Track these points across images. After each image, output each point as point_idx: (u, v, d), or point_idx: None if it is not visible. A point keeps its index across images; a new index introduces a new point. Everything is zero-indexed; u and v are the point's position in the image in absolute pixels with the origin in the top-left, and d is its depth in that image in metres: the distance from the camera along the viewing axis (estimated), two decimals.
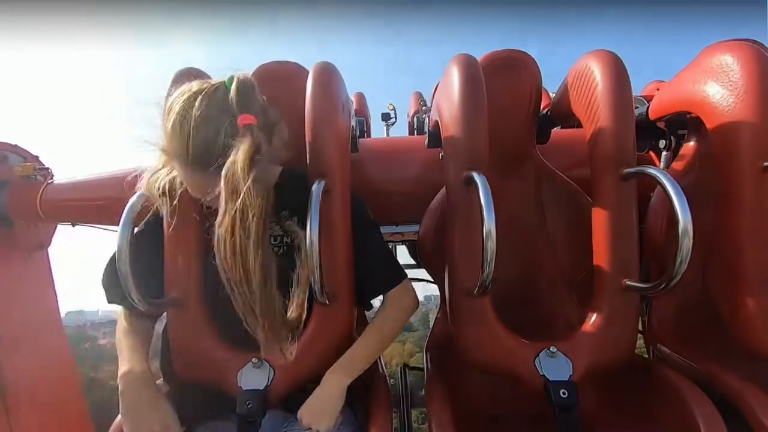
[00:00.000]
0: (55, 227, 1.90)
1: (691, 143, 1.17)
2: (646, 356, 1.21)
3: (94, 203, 1.63)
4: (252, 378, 0.91)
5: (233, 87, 0.85)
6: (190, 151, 0.82)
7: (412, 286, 1.05)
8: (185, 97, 0.84)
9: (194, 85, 0.86)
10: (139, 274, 0.88)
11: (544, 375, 0.90)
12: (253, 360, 0.92)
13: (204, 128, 0.82)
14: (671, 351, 1.11)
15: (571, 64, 1.12)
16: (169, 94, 0.95)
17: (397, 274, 1.04)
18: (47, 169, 1.81)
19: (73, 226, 1.80)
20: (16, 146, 1.81)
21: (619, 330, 0.95)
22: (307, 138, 0.96)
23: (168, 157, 0.88)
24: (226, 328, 0.97)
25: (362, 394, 1.00)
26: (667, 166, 1.24)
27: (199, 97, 0.83)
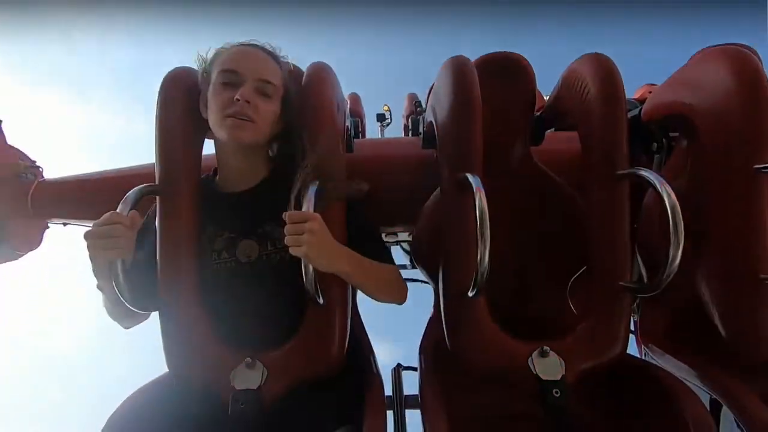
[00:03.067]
0: (45, 228, 1.88)
1: (683, 146, 1.18)
2: (638, 356, 1.22)
3: (88, 200, 1.62)
4: (245, 378, 0.90)
5: None
6: None
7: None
8: None
9: None
10: (135, 270, 0.88)
11: (536, 374, 0.91)
12: (246, 360, 0.91)
13: None
14: (663, 351, 1.12)
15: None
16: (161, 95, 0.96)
17: (390, 260, 1.06)
18: (38, 167, 1.79)
19: (65, 225, 1.78)
20: (11, 146, 1.79)
21: (611, 330, 0.95)
22: (303, 138, 0.96)
23: None
24: (221, 326, 0.97)
25: (356, 394, 1.00)
26: (660, 168, 1.26)
27: None
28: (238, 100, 0.90)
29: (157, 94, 0.99)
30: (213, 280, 0.98)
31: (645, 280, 1.14)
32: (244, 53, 0.97)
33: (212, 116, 0.95)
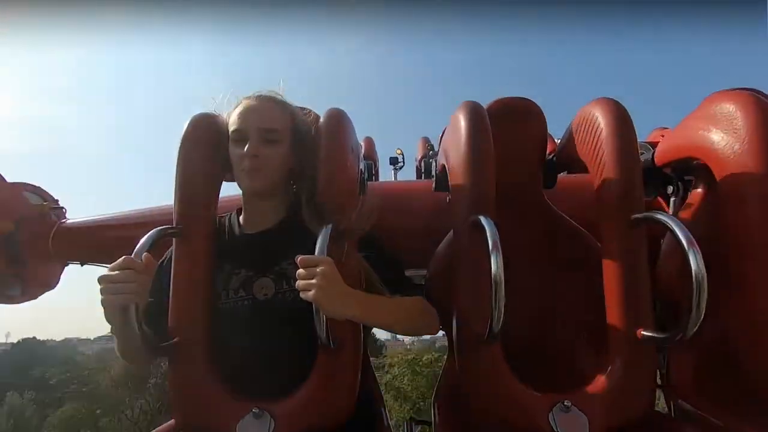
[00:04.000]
0: (63, 269, 1.90)
1: (699, 189, 1.17)
2: (666, 412, 1.14)
3: (108, 243, 1.65)
4: (252, 429, 0.88)
5: None
6: None
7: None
8: None
9: None
10: (148, 312, 0.89)
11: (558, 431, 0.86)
12: (253, 410, 0.88)
13: None
14: (692, 407, 1.05)
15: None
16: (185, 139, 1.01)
17: (412, 291, 1.04)
18: (62, 208, 1.85)
19: (82, 265, 1.81)
20: (36, 187, 1.85)
21: (636, 383, 0.90)
22: (318, 181, 0.98)
23: None
24: (233, 364, 0.97)
25: None
26: (676, 211, 1.23)
27: None
28: (245, 155, 0.98)
29: (180, 139, 1.03)
30: (229, 316, 1.00)
31: (665, 325, 1.09)
32: (247, 110, 1.02)
33: (234, 174, 1.03)
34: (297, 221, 1.00)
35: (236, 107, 1.04)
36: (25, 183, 1.83)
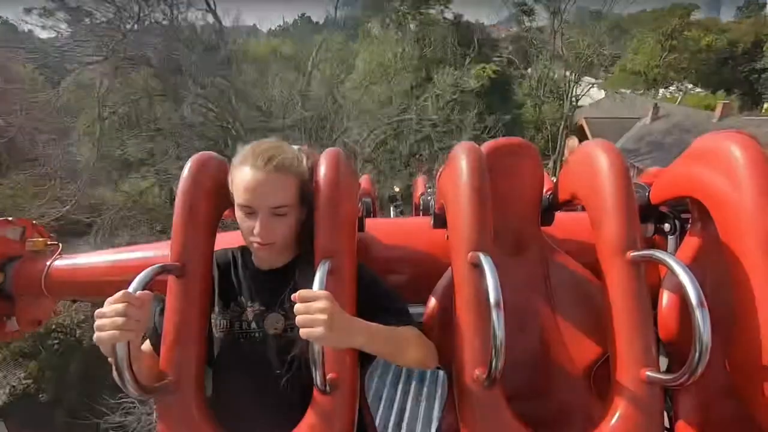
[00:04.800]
0: (54, 305, 1.87)
1: (697, 227, 1.18)
2: None
3: (101, 283, 1.63)
4: None
5: None
6: None
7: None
8: None
9: None
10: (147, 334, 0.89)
11: None
12: None
13: None
14: None
15: None
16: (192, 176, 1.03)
17: (410, 322, 1.04)
18: (57, 244, 1.83)
19: (74, 302, 1.78)
20: (34, 224, 1.85)
21: (643, 426, 0.87)
22: (316, 219, 0.99)
23: None
24: (233, 396, 0.99)
25: None
26: (675, 249, 1.24)
27: None
28: (255, 233, 0.98)
29: (181, 178, 1.04)
30: (240, 349, 1.02)
31: (671, 366, 1.07)
32: (254, 186, 0.97)
33: (242, 233, 1.02)
34: (307, 259, 1.02)
35: (244, 170, 0.99)
36: (23, 219, 1.82)
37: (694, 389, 1.04)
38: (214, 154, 1.10)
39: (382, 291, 1.09)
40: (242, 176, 0.99)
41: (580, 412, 1.09)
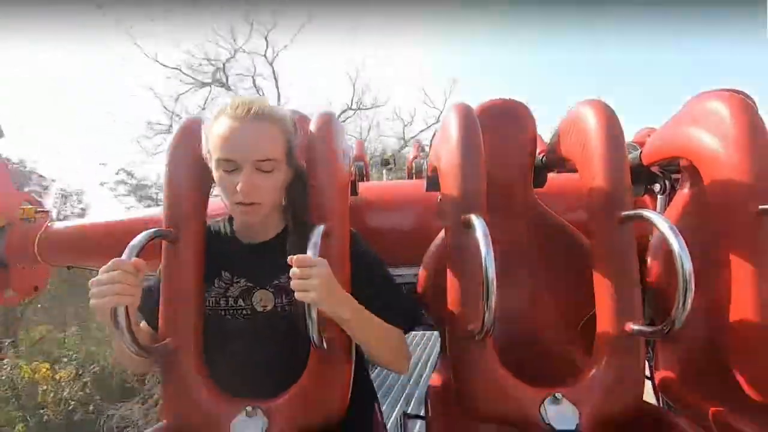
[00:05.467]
0: (49, 273, 1.88)
1: (686, 188, 1.20)
2: (656, 403, 1.17)
3: (94, 247, 1.63)
4: (245, 428, 0.88)
5: None
6: None
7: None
8: None
9: None
10: (152, 315, 0.89)
11: (549, 424, 0.87)
12: (246, 409, 0.88)
13: None
14: (680, 397, 1.07)
15: None
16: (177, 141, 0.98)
17: (402, 317, 1.02)
18: (47, 211, 1.82)
19: (69, 269, 1.79)
20: (25, 194, 1.84)
21: (626, 376, 0.92)
22: (308, 183, 0.98)
23: None
24: (227, 372, 0.97)
25: None
26: (664, 209, 1.26)
27: None
28: (240, 191, 0.90)
29: (169, 144, 1.03)
30: (227, 325, 1.00)
31: (654, 319, 1.11)
32: (236, 136, 0.90)
33: (222, 197, 0.95)
34: (294, 233, 0.99)
35: (221, 121, 0.91)
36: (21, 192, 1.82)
37: (674, 344, 1.10)
38: (201, 118, 1.07)
39: (380, 277, 1.05)
40: (220, 127, 0.90)
41: (566, 364, 1.14)
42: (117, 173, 13.36)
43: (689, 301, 0.79)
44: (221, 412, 0.89)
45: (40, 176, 11.18)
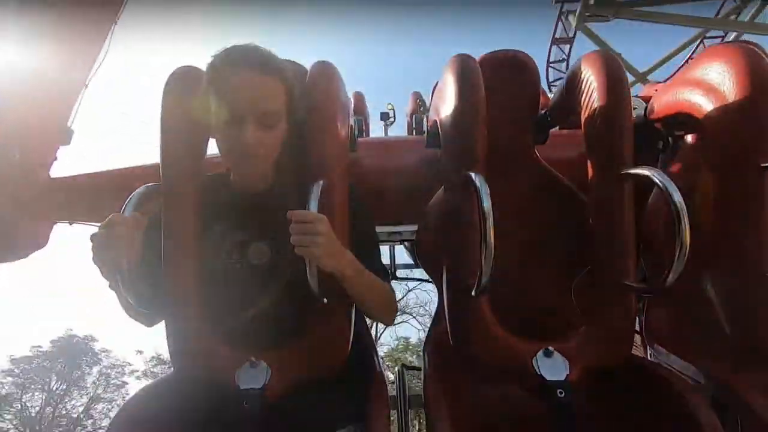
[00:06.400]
0: (52, 227, 1.89)
1: (689, 144, 1.18)
2: (644, 356, 1.21)
3: (95, 200, 1.62)
4: (249, 377, 0.91)
5: None
6: None
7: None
8: None
9: None
10: (145, 270, 0.89)
11: (540, 374, 0.91)
12: (250, 359, 0.92)
13: None
14: (668, 351, 1.11)
15: None
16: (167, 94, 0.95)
17: (385, 276, 1.04)
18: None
19: (71, 224, 1.79)
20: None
21: (616, 329, 0.95)
22: (307, 137, 0.97)
23: None
24: (227, 325, 0.98)
25: (359, 393, 1.00)
26: (665, 167, 1.25)
27: None
28: (242, 141, 0.88)
29: (162, 93, 1.00)
30: (223, 279, 1.00)
31: (647, 277, 1.13)
32: (239, 85, 0.88)
33: (220, 149, 0.94)
34: (290, 184, 0.99)
35: (221, 71, 0.89)
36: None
37: (666, 299, 1.12)
38: (194, 66, 1.03)
39: (371, 236, 1.08)
40: (224, 79, 0.88)
41: (560, 318, 1.18)
42: None
43: (684, 256, 0.80)
44: (226, 362, 0.93)
45: None
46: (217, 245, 1.01)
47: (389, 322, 1.09)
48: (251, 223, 1.01)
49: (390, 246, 1.98)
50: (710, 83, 0.94)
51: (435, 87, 1.33)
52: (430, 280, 1.33)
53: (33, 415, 13.59)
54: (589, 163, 1.00)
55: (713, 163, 0.96)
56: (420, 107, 2.66)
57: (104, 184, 1.65)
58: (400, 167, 1.54)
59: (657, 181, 0.84)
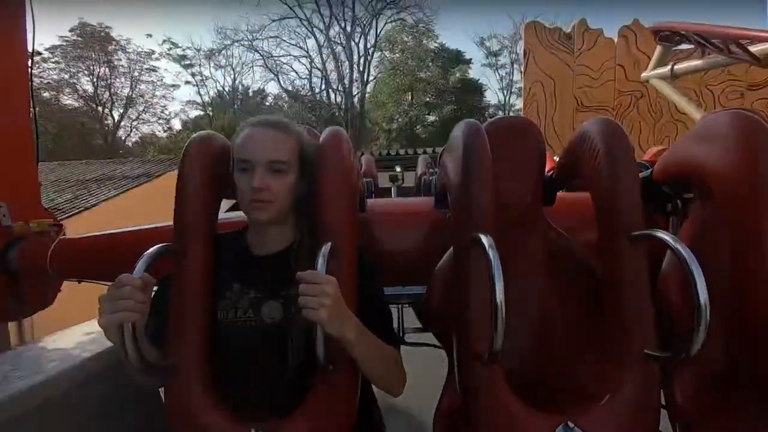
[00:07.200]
0: (60, 287, 1.89)
1: (698, 207, 1.17)
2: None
3: (106, 261, 1.64)
4: None
5: None
6: None
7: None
8: None
9: None
10: (150, 332, 0.88)
11: None
12: (252, 431, 0.87)
13: None
14: (698, 428, 1.03)
15: None
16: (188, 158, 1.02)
17: (394, 341, 1.02)
18: (60, 225, 1.84)
19: (79, 282, 1.79)
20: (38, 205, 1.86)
21: (640, 403, 0.89)
22: (316, 198, 0.99)
23: None
24: (233, 384, 0.97)
25: None
26: (676, 230, 1.24)
27: None
28: (253, 188, 0.96)
29: (181, 157, 1.04)
30: (235, 336, 1.00)
31: (668, 341, 1.08)
32: (252, 139, 0.99)
33: (239, 198, 1.01)
34: (305, 246, 1.01)
35: (242, 131, 1.02)
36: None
37: (691, 369, 1.06)
38: (215, 133, 1.09)
39: (378, 297, 1.07)
40: (241, 136, 1.01)
41: (578, 390, 1.11)
42: None
43: (706, 321, 0.77)
44: None
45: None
46: (233, 303, 1.02)
47: (396, 392, 1.03)
48: (266, 281, 1.02)
49: (398, 307, 1.93)
50: (715, 148, 0.96)
51: (443, 150, 1.37)
52: (440, 345, 1.28)
53: None
54: (599, 227, 0.99)
55: (722, 227, 0.95)
56: (428, 169, 2.72)
57: (117, 246, 1.67)
58: (408, 228, 1.55)
59: (669, 244, 0.83)
